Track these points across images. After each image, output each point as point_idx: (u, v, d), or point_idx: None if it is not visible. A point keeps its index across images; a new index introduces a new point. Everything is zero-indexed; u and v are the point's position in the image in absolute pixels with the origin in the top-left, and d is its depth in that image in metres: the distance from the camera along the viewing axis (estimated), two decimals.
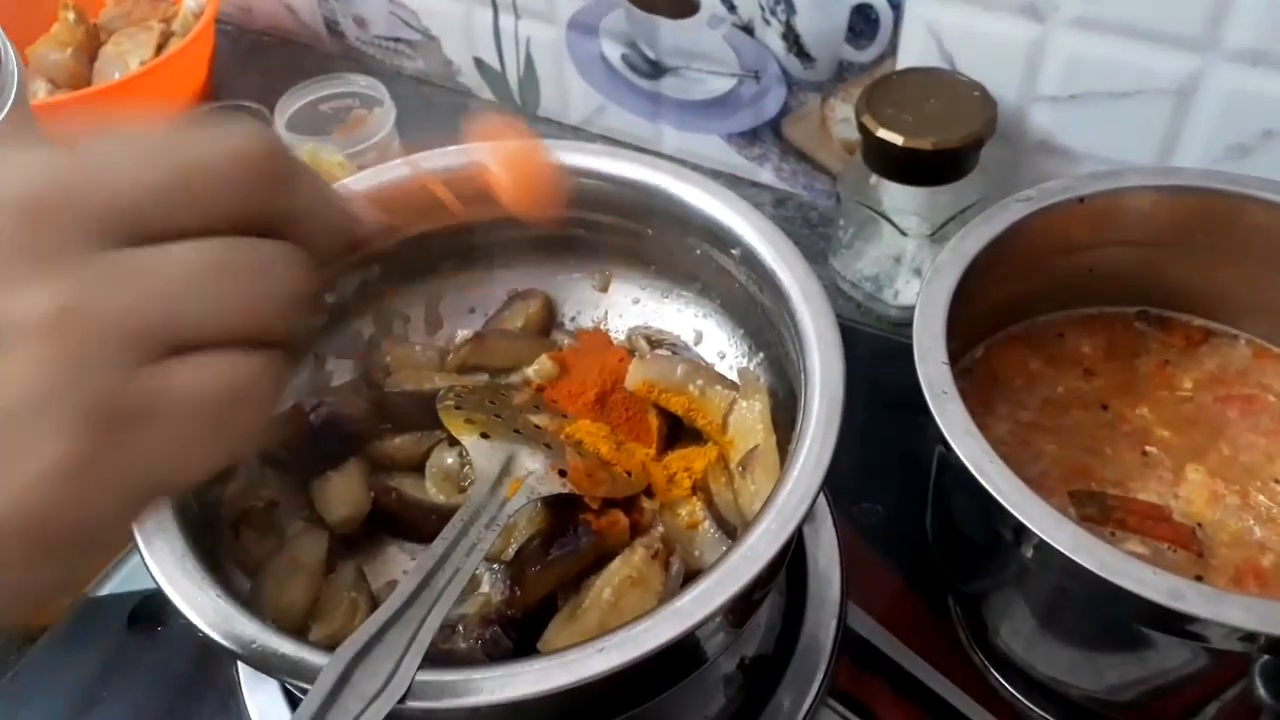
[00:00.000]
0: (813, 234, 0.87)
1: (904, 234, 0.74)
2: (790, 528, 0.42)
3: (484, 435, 0.51)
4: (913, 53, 0.76)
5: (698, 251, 0.57)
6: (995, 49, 0.72)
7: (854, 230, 0.80)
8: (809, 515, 0.42)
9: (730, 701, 0.56)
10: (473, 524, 0.46)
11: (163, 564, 0.42)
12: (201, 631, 0.40)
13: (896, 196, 0.74)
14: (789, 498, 0.42)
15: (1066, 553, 0.38)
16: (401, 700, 0.38)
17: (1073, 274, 0.54)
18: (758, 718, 0.55)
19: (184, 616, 0.41)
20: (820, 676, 0.56)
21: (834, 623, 0.58)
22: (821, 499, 0.61)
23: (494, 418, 0.53)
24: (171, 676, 0.58)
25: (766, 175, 0.90)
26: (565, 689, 0.38)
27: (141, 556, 0.42)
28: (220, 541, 0.51)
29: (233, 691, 0.56)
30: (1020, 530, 0.41)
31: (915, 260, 0.77)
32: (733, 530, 0.53)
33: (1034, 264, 0.52)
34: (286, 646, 0.39)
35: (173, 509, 0.44)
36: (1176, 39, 0.65)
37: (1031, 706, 0.54)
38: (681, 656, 0.46)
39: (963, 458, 0.41)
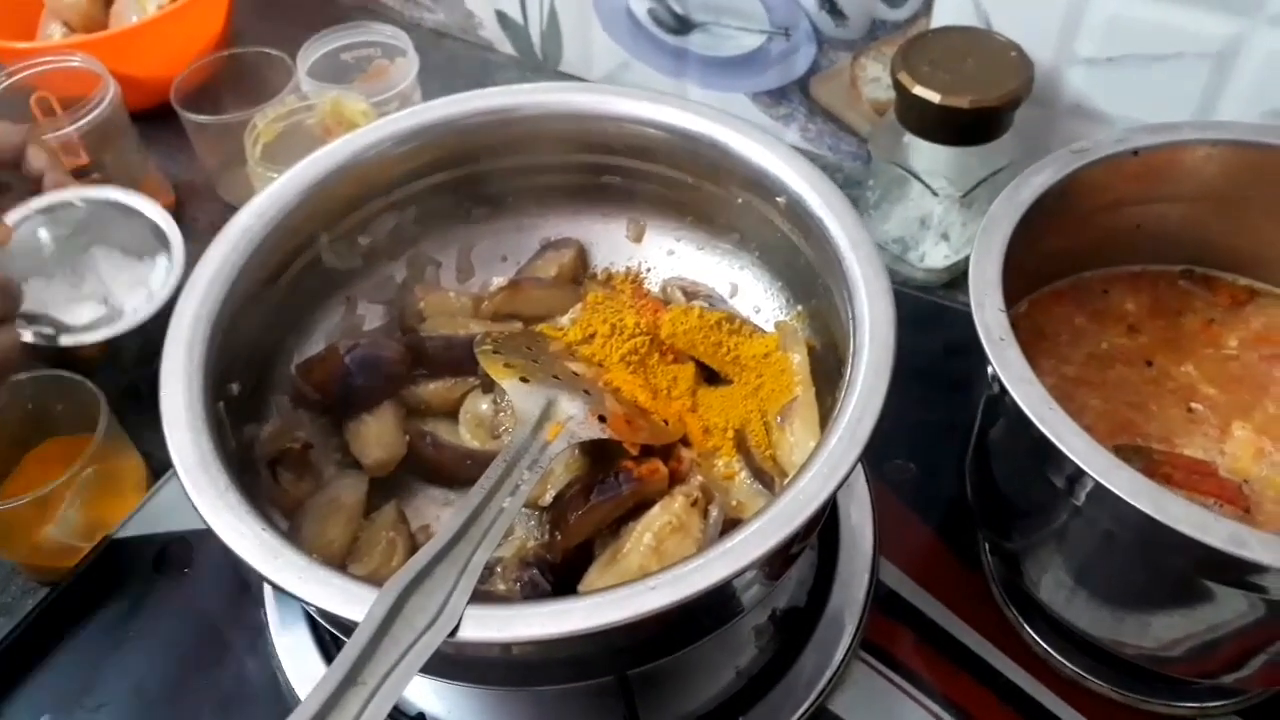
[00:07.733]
0: None
1: (935, 194, 0.73)
2: (841, 472, 0.41)
3: (523, 379, 0.51)
4: (948, 11, 0.75)
5: (739, 200, 0.56)
6: (1033, 9, 0.71)
7: (882, 192, 0.79)
8: (860, 459, 0.42)
9: (761, 653, 0.56)
10: (515, 465, 0.46)
11: (205, 498, 0.41)
12: (247, 565, 0.39)
13: (927, 158, 0.73)
14: (839, 443, 0.42)
15: (1126, 498, 0.37)
16: (453, 633, 0.37)
17: (1120, 230, 0.53)
18: (789, 669, 0.55)
19: (223, 553, 0.40)
20: (852, 630, 0.56)
21: (866, 576, 0.57)
22: None
23: (532, 363, 0.53)
24: (200, 619, 0.58)
25: (792, 135, 0.89)
26: (616, 625, 0.37)
27: (184, 490, 0.42)
28: (258, 483, 0.50)
29: (261, 633, 0.56)
30: (1075, 477, 0.40)
31: (942, 224, 0.76)
32: (770, 481, 0.52)
33: (1083, 218, 0.51)
34: (335, 579, 0.39)
35: (213, 445, 0.43)
36: (1219, 1, 0.64)
37: (1064, 661, 0.54)
38: (720, 604, 0.46)
39: (1021, 404, 0.40)
